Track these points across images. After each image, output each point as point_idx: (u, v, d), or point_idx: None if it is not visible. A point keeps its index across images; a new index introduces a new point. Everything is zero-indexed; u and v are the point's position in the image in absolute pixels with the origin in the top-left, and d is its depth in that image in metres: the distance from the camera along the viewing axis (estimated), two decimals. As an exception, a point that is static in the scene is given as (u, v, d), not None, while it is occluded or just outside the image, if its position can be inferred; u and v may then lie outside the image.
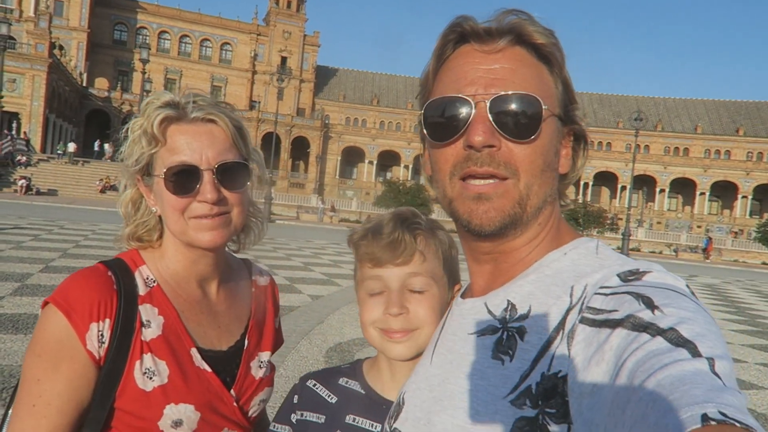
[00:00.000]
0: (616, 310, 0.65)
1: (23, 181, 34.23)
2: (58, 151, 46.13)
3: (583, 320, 0.68)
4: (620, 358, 0.59)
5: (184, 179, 1.09)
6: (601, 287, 0.70)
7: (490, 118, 0.76)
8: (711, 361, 0.54)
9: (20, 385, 1.05)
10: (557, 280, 0.77)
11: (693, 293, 0.68)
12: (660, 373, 0.53)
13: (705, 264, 39.12)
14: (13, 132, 44.13)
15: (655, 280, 0.68)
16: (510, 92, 0.76)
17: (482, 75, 0.78)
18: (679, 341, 0.57)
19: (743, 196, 77.93)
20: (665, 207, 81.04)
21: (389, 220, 1.06)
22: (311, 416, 1.11)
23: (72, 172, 41.78)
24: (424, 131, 0.83)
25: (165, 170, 1.09)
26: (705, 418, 0.46)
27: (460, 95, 0.78)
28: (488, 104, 0.76)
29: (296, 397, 1.16)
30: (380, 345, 1.05)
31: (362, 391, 1.11)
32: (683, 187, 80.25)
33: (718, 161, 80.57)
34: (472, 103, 0.77)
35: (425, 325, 1.02)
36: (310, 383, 1.15)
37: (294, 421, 1.14)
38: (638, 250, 43.63)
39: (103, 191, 39.09)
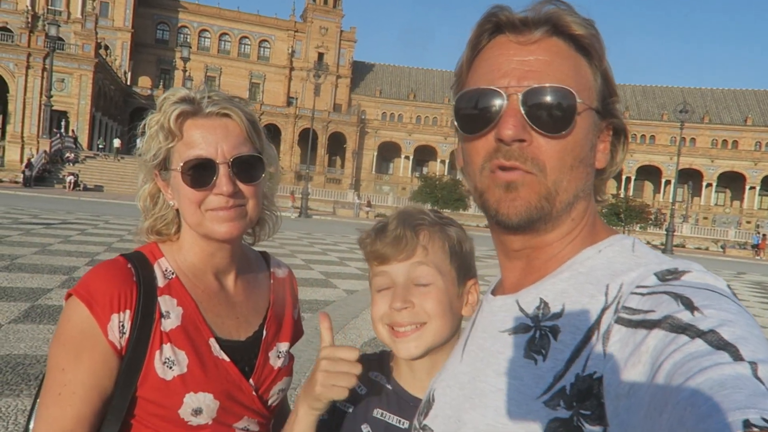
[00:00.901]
0: (653, 311, 0.63)
1: (71, 177, 35.47)
2: (99, 146, 47.48)
3: (619, 320, 0.66)
4: (657, 360, 0.58)
5: (200, 173, 1.12)
6: (638, 286, 0.69)
7: (522, 111, 0.75)
8: (753, 365, 0.52)
9: (47, 373, 1.09)
10: (591, 278, 0.75)
11: (734, 294, 0.66)
12: (699, 377, 0.52)
13: (755, 261, 37.66)
14: (62, 130, 45.75)
15: (694, 280, 0.66)
16: (544, 85, 0.75)
17: (516, 67, 0.77)
18: (719, 344, 0.55)
19: (796, 191, 74.70)
20: (712, 202, 78.41)
21: (393, 219, 1.09)
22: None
23: (117, 168, 43.12)
24: (456, 124, 0.82)
25: (182, 164, 1.12)
26: (747, 424, 0.45)
27: (492, 87, 0.77)
28: (520, 97, 0.75)
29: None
30: (390, 344, 1.06)
31: (389, 386, 1.12)
32: (731, 181, 77.45)
33: (769, 154, 77.39)
34: (504, 95, 0.75)
35: (433, 318, 1.03)
36: None
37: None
38: (683, 246, 42.35)
39: (146, 187, 40.09)
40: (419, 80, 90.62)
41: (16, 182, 35.11)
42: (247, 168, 1.16)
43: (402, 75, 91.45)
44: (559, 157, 0.76)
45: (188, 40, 67.04)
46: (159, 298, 1.14)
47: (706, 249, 44.69)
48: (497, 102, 0.76)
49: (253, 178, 1.17)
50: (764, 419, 0.45)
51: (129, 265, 1.14)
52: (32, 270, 8.74)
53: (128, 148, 57.85)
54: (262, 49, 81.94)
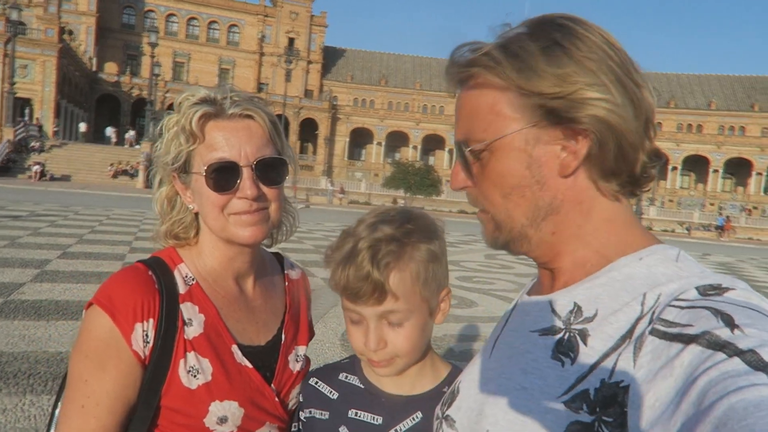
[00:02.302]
0: (691, 325, 0.62)
1: (37, 167, 34.55)
2: (54, 130, 46.00)
3: (654, 332, 0.65)
4: (691, 375, 0.57)
5: (223, 176, 1.10)
6: (677, 299, 0.67)
7: (460, 163, 0.85)
8: None
9: (68, 385, 1.07)
10: (627, 285, 0.74)
11: None
12: (734, 396, 0.51)
13: (719, 242, 38.85)
14: (26, 118, 44.44)
15: (737, 298, 0.64)
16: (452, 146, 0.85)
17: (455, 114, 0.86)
18: (758, 365, 0.53)
19: (758, 173, 76.95)
20: (678, 185, 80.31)
21: (366, 250, 1.00)
22: (316, 413, 1.14)
23: (85, 157, 42.07)
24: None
25: (205, 167, 1.10)
26: None
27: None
28: (459, 150, 0.84)
29: (301, 396, 1.20)
30: (369, 366, 1.10)
31: (361, 386, 1.13)
32: (696, 165, 79.40)
33: (733, 138, 79.50)
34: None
35: (404, 355, 1.05)
36: (312, 381, 1.19)
37: (303, 418, 1.17)
38: (650, 229, 42.90)
39: (115, 176, 39.41)
40: (391, 66, 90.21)
41: (-21, 172, 34.06)
42: (270, 171, 1.14)
43: (373, 60, 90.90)
44: (486, 195, 0.83)
45: (155, 24, 65.18)
46: (181, 306, 1.12)
47: (673, 231, 45.87)
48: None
49: (277, 181, 1.15)
50: None
51: (150, 273, 1.12)
52: (2, 264, 8.58)
53: (95, 136, 56.67)
54: (231, 34, 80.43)
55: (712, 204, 75.16)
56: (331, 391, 1.15)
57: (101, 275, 8.22)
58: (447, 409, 0.92)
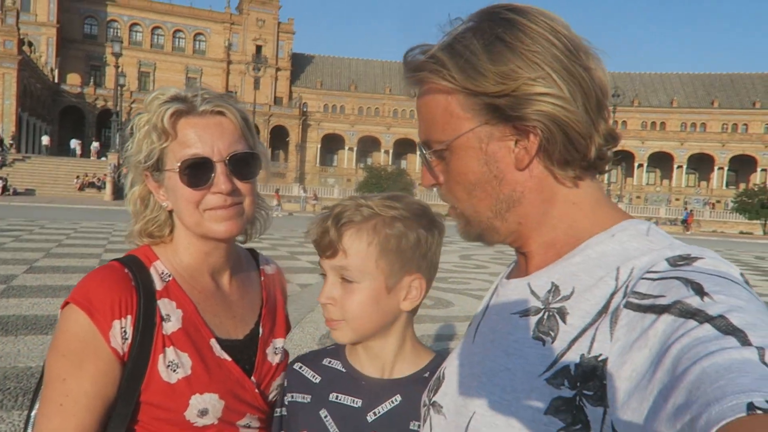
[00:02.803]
0: (663, 296, 0.64)
1: (-1, 181, 33.63)
2: (10, 141, 44.69)
3: (628, 305, 0.67)
4: (664, 344, 0.58)
5: (197, 172, 1.11)
6: (649, 272, 0.69)
7: (425, 162, 0.88)
8: (761, 350, 0.52)
9: (45, 384, 1.06)
10: (602, 262, 0.76)
11: (747, 282, 0.66)
12: (705, 361, 0.52)
13: (685, 236, 39.85)
14: (-15, 132, 43.23)
15: (706, 267, 0.66)
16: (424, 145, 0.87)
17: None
18: (728, 329, 0.55)
19: (719, 168, 79.33)
20: (644, 181, 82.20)
21: (329, 213, 1.10)
22: (299, 397, 1.16)
23: (49, 170, 41.12)
24: None
25: (179, 164, 1.10)
26: (751, 406, 0.45)
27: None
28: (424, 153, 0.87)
29: (286, 380, 1.22)
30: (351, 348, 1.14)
31: (343, 370, 1.15)
32: (661, 161, 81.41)
33: (695, 134, 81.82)
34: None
35: (352, 319, 1.07)
36: (296, 366, 1.21)
37: (287, 402, 1.19)
38: (619, 225, 44.10)
39: (81, 189, 38.59)
40: (360, 71, 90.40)
41: (-63, 189, 32.98)
42: (243, 165, 1.15)
43: (342, 66, 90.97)
44: (452, 191, 0.86)
45: (119, 34, 64.11)
46: (158, 302, 1.13)
47: (641, 227, 46.71)
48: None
49: (250, 175, 1.17)
50: None
51: (126, 270, 1.12)
52: (-34, 281, 8.32)
53: (59, 149, 55.40)
54: (197, 42, 79.61)
55: (677, 199, 77.11)
56: (314, 375, 1.17)
57: (70, 289, 8.02)
58: (434, 396, 0.93)
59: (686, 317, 0.59)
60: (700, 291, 0.61)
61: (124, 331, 1.07)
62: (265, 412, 1.24)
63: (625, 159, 77.96)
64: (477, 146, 0.81)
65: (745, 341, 0.54)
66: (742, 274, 0.68)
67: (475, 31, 0.78)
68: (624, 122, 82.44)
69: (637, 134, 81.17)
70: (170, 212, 1.19)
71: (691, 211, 48.55)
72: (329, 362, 1.18)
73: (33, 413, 1.11)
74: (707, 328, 0.56)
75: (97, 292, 1.07)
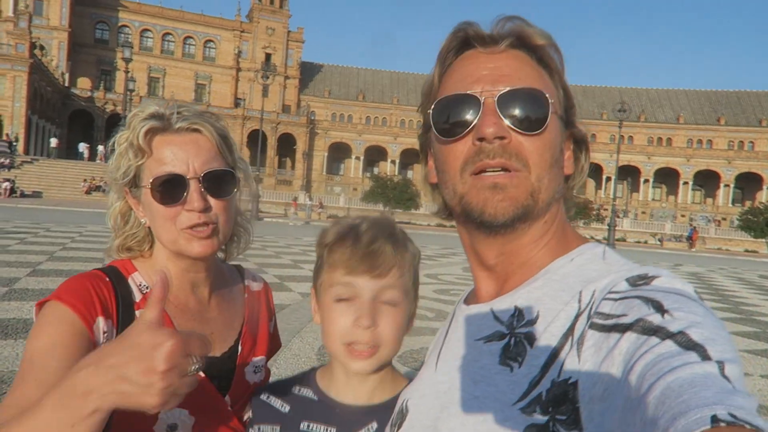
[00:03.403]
0: (625, 315, 0.65)
1: (6, 183, 33.85)
2: (13, 143, 44.52)
3: (593, 326, 0.68)
4: (629, 361, 0.60)
5: (170, 189, 1.11)
6: (610, 292, 0.70)
7: (499, 113, 0.78)
8: (721, 364, 0.54)
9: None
10: (564, 285, 0.77)
11: (701, 298, 0.68)
12: (669, 376, 0.54)
13: (690, 253, 39.64)
14: (-5, 134, 43.55)
15: (664, 285, 0.68)
16: (517, 87, 0.79)
17: (488, 72, 0.81)
18: (688, 345, 0.57)
19: (725, 185, 78.95)
20: (649, 197, 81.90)
21: (368, 228, 1.04)
22: (266, 428, 1.12)
23: (57, 173, 41.37)
24: (434, 130, 0.84)
25: (151, 180, 1.11)
26: (715, 419, 0.46)
27: (467, 92, 0.80)
28: (496, 99, 0.78)
29: (251, 411, 1.18)
30: (343, 359, 1.04)
31: (315, 397, 1.11)
32: (667, 177, 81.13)
33: (701, 151, 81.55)
34: (481, 99, 0.79)
35: (387, 344, 1.02)
36: (263, 396, 1.17)
37: None
38: (624, 240, 44.10)
39: (88, 192, 38.78)
40: (368, 81, 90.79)
41: (-55, 190, 33.21)
42: (218, 183, 1.14)
43: (351, 76, 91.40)
44: (539, 153, 0.79)
45: (129, 39, 64.64)
46: (136, 312, 1.12)
47: (645, 242, 46.69)
48: (474, 106, 0.79)
49: (225, 193, 1.16)
50: (731, 414, 0.47)
51: (107, 278, 1.12)
52: (-31, 283, 8.36)
53: (67, 152, 55.78)
54: (207, 49, 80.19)
55: (683, 215, 76.77)
56: (282, 405, 1.13)
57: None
58: (397, 430, 0.90)
59: (649, 334, 0.60)
60: (660, 308, 0.63)
61: (107, 332, 1.04)
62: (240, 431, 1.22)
63: (631, 174, 77.84)
64: (560, 131, 0.83)
65: (705, 356, 0.55)
66: (695, 291, 0.69)
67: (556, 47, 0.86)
68: (630, 137, 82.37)
69: (643, 149, 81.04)
70: (149, 229, 1.19)
71: (695, 228, 48.31)
72: (299, 390, 1.13)
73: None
74: (669, 344, 0.58)
75: (80, 291, 1.05)
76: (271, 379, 1.34)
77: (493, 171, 0.78)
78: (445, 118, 0.82)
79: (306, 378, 1.16)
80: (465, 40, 0.85)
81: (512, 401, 0.71)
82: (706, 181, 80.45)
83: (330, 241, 1.05)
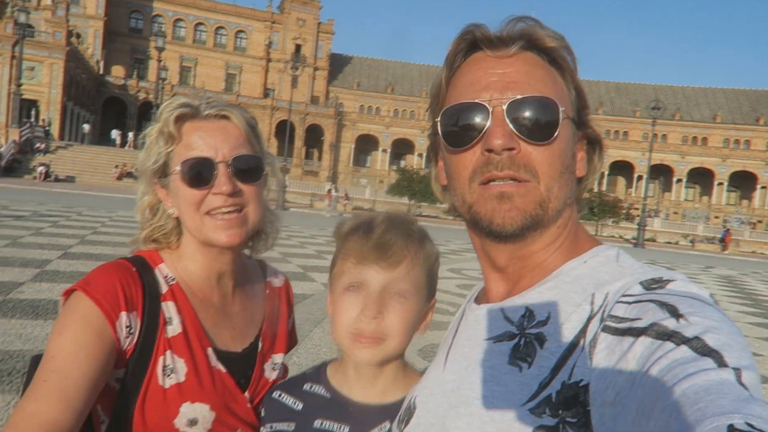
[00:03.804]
0: (639, 318, 0.64)
1: (42, 168, 34.69)
2: (46, 128, 44.89)
3: (606, 329, 0.67)
4: (643, 366, 0.58)
5: (199, 172, 1.11)
6: (624, 295, 0.69)
7: (508, 122, 0.77)
8: (737, 371, 0.53)
9: (40, 365, 0.98)
10: (577, 287, 0.76)
11: (716, 303, 0.67)
12: (685, 383, 0.52)
13: (722, 255, 38.67)
14: (32, 119, 44.64)
15: (678, 289, 0.67)
16: (527, 95, 0.77)
17: (497, 79, 0.79)
18: (704, 350, 0.56)
19: (762, 187, 76.75)
20: (682, 197, 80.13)
21: (383, 221, 1.05)
22: (281, 426, 1.11)
23: (90, 159, 42.26)
24: (442, 139, 0.83)
25: (181, 164, 1.11)
26: (731, 429, 0.45)
27: (476, 101, 0.79)
28: (505, 108, 0.77)
29: (263, 410, 1.17)
30: (348, 349, 1.03)
31: (327, 395, 1.10)
32: (701, 177, 79.22)
33: (738, 151, 79.40)
34: (489, 108, 0.77)
35: (393, 337, 1.01)
36: (275, 394, 1.16)
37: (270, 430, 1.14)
38: (654, 240, 43.23)
39: (119, 178, 39.54)
40: (397, 73, 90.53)
41: (-16, 173, 34.20)
42: (246, 169, 1.14)
43: (380, 68, 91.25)
44: (548, 163, 0.78)
45: (163, 29, 65.77)
46: (162, 304, 1.12)
47: (676, 243, 45.70)
48: (482, 115, 0.78)
49: (253, 179, 1.16)
50: (748, 424, 0.46)
51: (134, 269, 1.11)
52: (3, 263, 8.57)
53: (100, 138, 56.93)
54: (238, 39, 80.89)
55: (716, 217, 74.94)
56: (295, 402, 1.12)
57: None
58: (405, 427, 0.90)
59: (663, 339, 0.59)
60: (675, 313, 0.62)
61: (129, 326, 1.05)
62: (257, 429, 1.20)
63: (664, 173, 76.18)
64: (571, 134, 0.82)
65: (721, 362, 0.54)
66: (712, 295, 0.68)
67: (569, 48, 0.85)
68: (664, 136, 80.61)
69: (677, 149, 79.26)
70: (177, 220, 1.19)
71: (728, 229, 47.10)
72: (311, 387, 1.12)
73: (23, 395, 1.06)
74: (684, 350, 0.57)
75: (105, 283, 1.05)
76: (291, 370, 1.33)
77: (502, 181, 0.77)
78: (453, 126, 0.80)
79: (317, 374, 1.15)
80: (473, 43, 0.83)
81: (521, 402, 0.71)
82: (742, 182, 78.31)
83: (345, 231, 1.07)
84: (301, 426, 1.08)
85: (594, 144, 0.87)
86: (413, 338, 1.07)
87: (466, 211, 0.82)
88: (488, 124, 0.77)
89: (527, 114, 0.77)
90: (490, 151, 0.77)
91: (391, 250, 1.01)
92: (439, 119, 0.84)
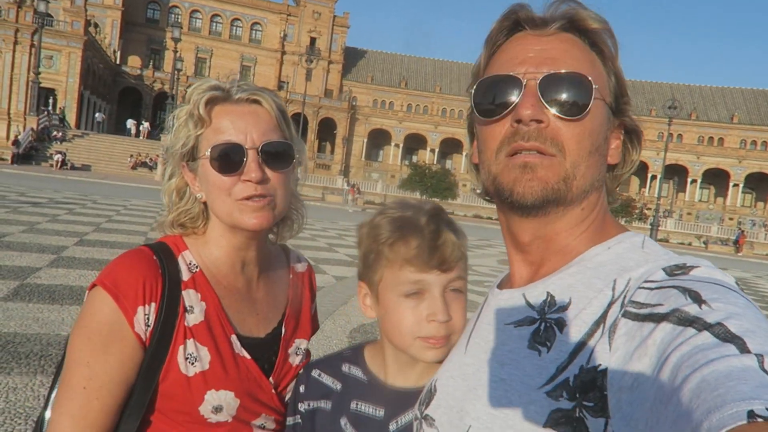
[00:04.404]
0: (661, 304, 0.63)
1: (58, 156, 35.11)
2: (56, 118, 44.93)
3: (626, 314, 0.67)
4: (664, 352, 0.58)
5: (229, 158, 1.10)
6: (646, 281, 0.69)
7: (540, 95, 0.77)
8: (760, 357, 0.52)
9: (67, 366, 1.05)
10: (599, 273, 0.76)
11: (742, 289, 0.66)
12: (705, 369, 0.52)
13: (736, 257, 38.28)
14: (50, 107, 45.10)
15: (702, 275, 0.67)
16: (561, 71, 0.77)
17: (534, 55, 0.80)
18: (726, 336, 0.55)
19: (779, 189, 75.71)
20: (696, 198, 79.25)
21: (428, 220, 1.02)
22: (318, 403, 1.13)
23: (106, 148, 42.66)
24: (474, 110, 0.84)
25: (210, 149, 1.10)
26: (751, 414, 0.45)
27: (510, 73, 0.79)
28: (538, 82, 0.77)
29: (302, 387, 1.18)
30: (416, 351, 1.02)
31: (364, 378, 1.11)
32: (716, 178, 78.28)
33: (755, 152, 78.29)
34: (523, 81, 0.78)
35: (458, 332, 1.01)
36: (315, 373, 1.17)
37: (303, 410, 1.16)
38: (667, 241, 42.85)
39: (134, 167, 39.89)
40: (411, 68, 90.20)
41: (3, 159, 34.63)
42: (276, 155, 1.13)
43: (394, 62, 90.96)
44: (577, 140, 0.77)
45: (179, 20, 66.06)
46: (183, 292, 1.12)
47: (689, 244, 45.27)
48: (515, 87, 0.78)
49: (283, 166, 1.15)
50: None
51: (155, 257, 1.12)
52: (21, 248, 8.74)
53: (116, 127, 57.40)
54: (254, 31, 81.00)
55: (731, 218, 74.07)
56: (334, 382, 1.13)
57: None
58: (425, 409, 0.90)
59: (685, 325, 0.59)
60: (697, 299, 0.61)
61: (147, 318, 1.06)
62: (282, 414, 1.22)
63: (678, 173, 75.38)
64: (605, 117, 0.82)
65: (743, 348, 0.53)
66: (737, 282, 0.67)
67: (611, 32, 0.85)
68: (680, 135, 79.69)
69: (692, 149, 78.33)
70: (204, 205, 1.19)
71: (742, 231, 46.57)
72: (348, 369, 1.14)
73: (53, 394, 1.10)
74: (706, 336, 0.56)
75: (124, 277, 1.06)
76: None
77: (527, 152, 0.78)
78: (486, 98, 0.81)
79: (354, 355, 1.16)
80: (516, 22, 0.83)
81: (538, 385, 0.71)
82: (758, 184, 77.29)
83: (387, 237, 1.02)
84: (338, 406, 1.10)
85: (631, 135, 0.87)
86: None
87: (491, 182, 0.82)
88: (521, 95, 0.77)
89: (560, 89, 0.77)
90: (519, 122, 0.77)
91: (448, 251, 1.00)
92: (473, 90, 0.84)
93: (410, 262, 1.00)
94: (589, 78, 0.78)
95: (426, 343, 1.00)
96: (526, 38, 0.82)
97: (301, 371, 1.23)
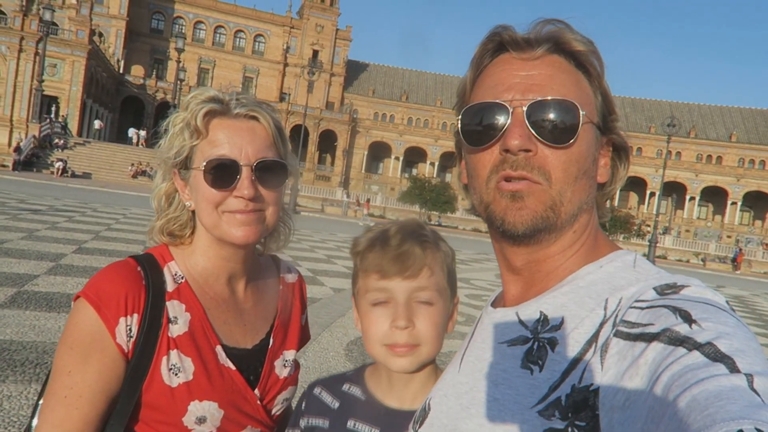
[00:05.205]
0: (652, 324, 0.64)
1: (60, 163, 35.15)
2: (57, 124, 44.53)
3: (618, 334, 0.67)
4: (655, 372, 0.58)
5: (222, 173, 1.10)
6: (637, 300, 0.69)
7: (527, 124, 0.77)
8: (750, 377, 0.53)
9: (52, 376, 1.06)
10: (591, 292, 0.76)
11: (732, 309, 0.67)
12: (695, 388, 0.52)
13: (734, 275, 38.25)
14: (52, 115, 45.23)
15: (693, 295, 0.67)
16: (548, 98, 0.77)
17: (520, 81, 0.79)
18: (716, 356, 0.56)
19: (778, 208, 75.82)
20: (694, 215, 79.36)
21: (396, 231, 1.07)
22: (317, 421, 1.14)
23: (106, 156, 42.72)
24: (462, 138, 0.84)
25: (205, 163, 1.10)
26: None
27: (497, 101, 0.79)
28: (525, 109, 0.77)
29: (304, 403, 1.19)
30: (384, 359, 1.06)
31: (362, 397, 1.13)
32: (714, 196, 78.45)
33: (753, 171, 78.54)
34: (510, 108, 0.78)
35: (426, 343, 1.04)
36: (316, 391, 1.19)
37: (303, 426, 1.17)
38: (665, 258, 42.87)
39: (135, 176, 39.92)
40: (412, 82, 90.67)
41: (4, 166, 34.69)
42: (270, 173, 1.13)
43: (395, 76, 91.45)
44: (563, 168, 0.78)
45: (183, 31, 66.61)
46: (167, 303, 1.12)
47: (687, 261, 45.27)
48: (502, 115, 0.78)
49: (275, 185, 1.15)
50: (758, 429, 0.45)
51: (138, 268, 1.12)
52: (19, 255, 8.73)
53: (118, 136, 57.54)
54: (257, 43, 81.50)
55: (729, 236, 74.15)
56: (332, 401, 1.15)
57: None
58: (419, 427, 0.91)
59: (676, 345, 0.59)
60: (688, 318, 0.62)
61: (129, 329, 1.06)
62: (268, 426, 1.22)
63: (677, 191, 75.57)
64: (593, 139, 0.82)
65: (733, 368, 0.54)
66: (727, 302, 0.68)
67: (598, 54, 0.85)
68: (678, 153, 79.95)
69: (691, 166, 78.60)
70: (193, 213, 1.19)
71: (740, 249, 46.58)
72: (348, 388, 1.16)
73: (41, 402, 1.11)
74: (696, 356, 0.56)
75: (106, 288, 1.06)
76: (299, 372, 1.36)
77: (516, 180, 0.78)
78: (474, 125, 0.81)
79: (356, 376, 1.18)
80: (499, 44, 0.83)
81: (531, 404, 0.71)
82: (756, 202, 77.46)
83: (362, 248, 1.08)
84: (335, 424, 1.11)
85: (620, 151, 0.87)
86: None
87: (483, 210, 0.83)
88: (508, 124, 0.77)
89: (547, 116, 0.77)
90: (507, 151, 0.77)
91: (410, 259, 1.03)
92: (460, 117, 0.84)
93: (375, 270, 1.04)
94: (576, 104, 0.78)
95: (391, 351, 1.03)
96: (512, 62, 0.81)
97: (306, 388, 1.23)
